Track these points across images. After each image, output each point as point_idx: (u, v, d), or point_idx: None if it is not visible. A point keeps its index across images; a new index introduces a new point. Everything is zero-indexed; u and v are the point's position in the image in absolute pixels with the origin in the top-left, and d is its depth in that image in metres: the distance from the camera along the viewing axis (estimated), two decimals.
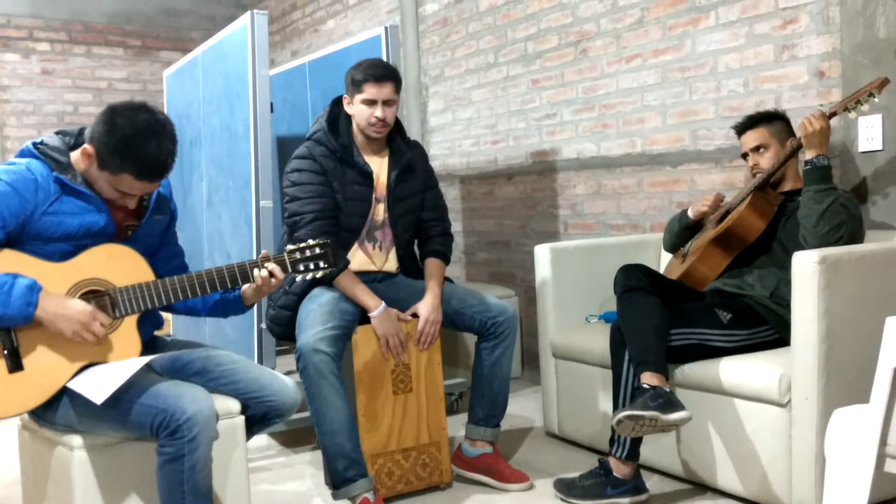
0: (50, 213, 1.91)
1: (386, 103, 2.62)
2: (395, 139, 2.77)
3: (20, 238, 1.90)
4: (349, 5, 5.50)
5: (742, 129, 2.73)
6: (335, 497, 2.47)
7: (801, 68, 2.91)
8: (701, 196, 3.27)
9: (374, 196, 2.70)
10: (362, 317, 2.60)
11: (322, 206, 2.59)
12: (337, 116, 2.71)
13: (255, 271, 2.06)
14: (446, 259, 2.80)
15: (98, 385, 1.83)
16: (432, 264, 2.75)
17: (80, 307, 1.88)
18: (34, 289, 1.83)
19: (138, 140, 1.87)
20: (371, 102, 2.62)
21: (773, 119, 2.69)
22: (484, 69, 4.39)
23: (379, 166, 2.72)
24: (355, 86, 2.63)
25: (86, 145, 1.93)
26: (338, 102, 2.73)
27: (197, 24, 6.72)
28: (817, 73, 2.87)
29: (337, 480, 2.45)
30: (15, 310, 1.81)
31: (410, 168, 2.75)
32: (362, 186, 2.67)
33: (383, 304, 2.58)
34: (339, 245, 2.62)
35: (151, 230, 2.12)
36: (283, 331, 2.71)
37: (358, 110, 2.65)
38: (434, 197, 2.85)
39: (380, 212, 2.73)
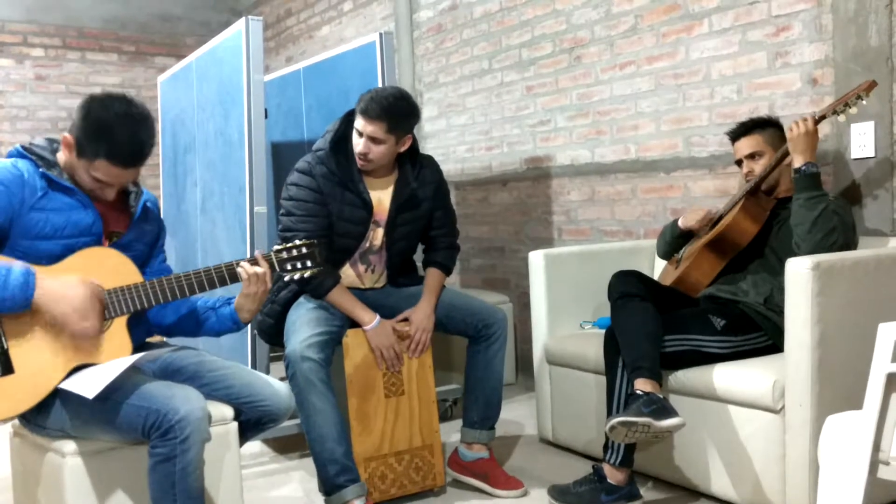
0: (37, 208, 1.92)
1: (372, 140, 2.54)
2: (405, 166, 2.69)
3: (8, 237, 1.91)
4: (344, 12, 5.51)
5: (736, 135, 2.73)
6: (327, 503, 2.46)
7: (794, 75, 2.93)
8: (694, 203, 3.28)
9: (373, 220, 2.66)
10: (352, 322, 2.60)
11: (314, 226, 2.56)
12: (344, 135, 2.64)
13: (242, 269, 2.06)
14: (448, 271, 2.79)
15: (89, 382, 1.83)
16: (432, 274, 2.75)
17: (79, 294, 1.87)
18: (30, 273, 1.84)
19: (113, 125, 1.92)
20: (359, 133, 2.56)
21: (767, 125, 2.69)
22: (478, 75, 4.40)
23: (383, 191, 2.67)
24: (356, 111, 2.58)
25: (65, 134, 1.96)
26: (348, 117, 2.65)
27: (191, 30, 6.72)
28: (810, 80, 2.88)
29: (328, 487, 2.44)
30: (12, 292, 1.81)
31: (414, 197, 2.69)
32: (360, 210, 2.62)
33: (378, 317, 2.58)
34: (331, 264, 2.61)
35: (138, 238, 2.13)
36: (269, 338, 2.73)
37: (353, 136, 2.61)
38: (445, 214, 2.80)
39: (378, 236, 2.69)
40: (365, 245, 2.69)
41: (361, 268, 2.72)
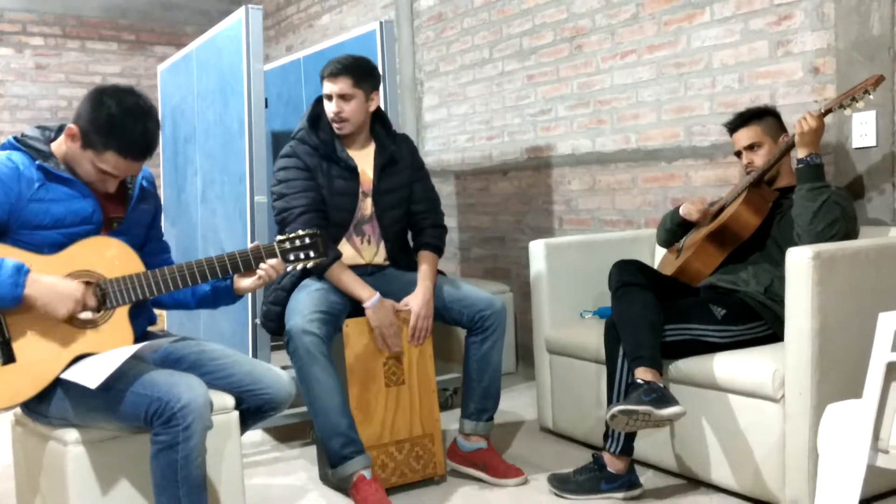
0: (35, 200, 1.92)
1: (342, 98, 2.65)
2: (379, 132, 2.78)
3: (8, 228, 1.91)
4: (344, 0, 5.49)
5: (734, 127, 2.72)
6: (332, 476, 2.50)
7: (796, 64, 2.92)
8: (695, 193, 3.28)
9: (360, 190, 2.72)
10: (352, 310, 2.61)
11: (309, 200, 2.61)
12: (319, 114, 2.74)
13: (260, 266, 2.09)
14: (439, 251, 2.80)
15: (92, 372, 1.84)
16: (424, 257, 2.76)
17: (71, 285, 1.88)
18: (21, 270, 1.83)
19: (125, 119, 1.93)
20: (328, 97, 2.67)
21: (765, 115, 2.69)
22: (479, 65, 4.39)
23: (364, 160, 2.74)
24: (321, 80, 2.69)
25: (70, 125, 1.96)
26: (319, 99, 2.75)
27: (191, 19, 6.70)
28: (812, 69, 2.87)
29: (334, 459, 2.47)
30: (3, 291, 1.80)
31: (394, 161, 2.76)
32: (348, 181, 2.69)
33: (377, 294, 2.59)
34: (329, 239, 2.63)
35: (137, 220, 2.13)
36: (275, 326, 2.72)
37: (325, 105, 2.70)
38: (424, 189, 2.85)
39: (367, 206, 2.74)
40: (357, 216, 2.72)
41: (357, 240, 2.75)
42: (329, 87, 2.66)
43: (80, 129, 1.94)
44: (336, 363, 2.53)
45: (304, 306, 2.49)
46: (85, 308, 1.92)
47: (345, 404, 2.47)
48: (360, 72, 2.66)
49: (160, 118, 2.03)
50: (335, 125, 2.69)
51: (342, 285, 2.59)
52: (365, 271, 2.72)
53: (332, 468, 2.49)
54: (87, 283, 1.95)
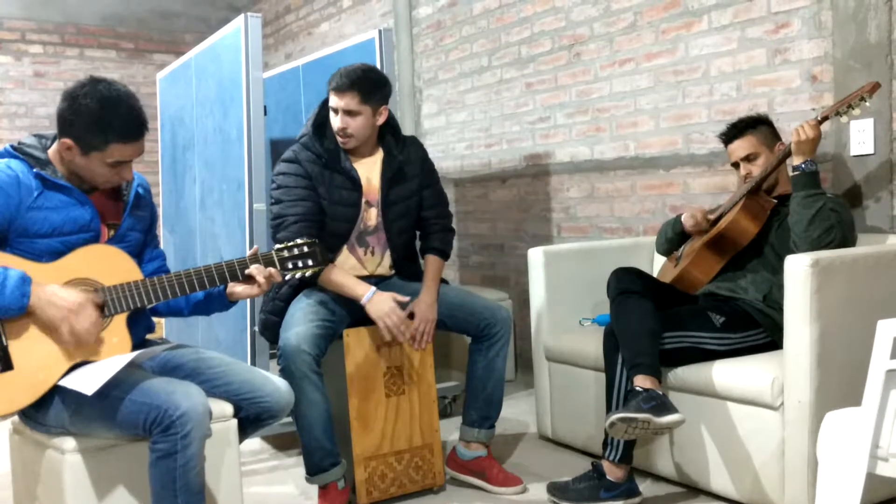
0: (34, 208, 1.93)
1: (347, 113, 2.58)
2: (388, 143, 2.73)
3: (7, 237, 1.91)
4: (343, 8, 5.50)
5: (729, 138, 2.72)
6: (309, 482, 2.54)
7: (794, 72, 2.93)
8: (693, 200, 3.28)
9: (364, 200, 2.68)
10: (352, 321, 2.60)
11: (305, 210, 2.58)
12: (325, 119, 2.68)
13: (257, 275, 2.07)
14: (445, 256, 2.79)
15: (88, 379, 1.83)
16: (431, 261, 2.74)
17: (72, 296, 1.88)
18: (26, 280, 1.84)
19: (106, 109, 1.93)
20: (335, 111, 2.61)
21: (758, 124, 2.68)
22: (478, 72, 4.40)
23: (370, 170, 2.69)
24: (329, 90, 2.63)
25: (62, 140, 1.96)
26: (326, 104, 2.70)
27: (190, 27, 6.71)
28: (809, 77, 2.88)
29: (312, 469, 2.52)
30: (9, 301, 1.81)
31: (402, 171, 2.72)
32: (350, 191, 2.64)
33: (373, 287, 2.56)
34: (327, 248, 2.62)
35: (134, 227, 2.13)
36: (272, 336, 2.72)
37: (331, 116, 2.65)
38: (434, 193, 2.81)
39: (372, 216, 2.71)
40: (359, 227, 2.70)
41: (360, 251, 2.73)
42: (335, 101, 2.58)
43: (74, 138, 1.94)
44: (335, 372, 2.52)
45: (299, 321, 2.48)
46: (80, 320, 1.89)
47: (329, 421, 2.48)
48: (369, 87, 2.57)
49: (130, 90, 2.04)
50: (339, 139, 2.63)
51: (336, 286, 2.57)
52: (368, 283, 2.70)
53: (309, 475, 2.54)
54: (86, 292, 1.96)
